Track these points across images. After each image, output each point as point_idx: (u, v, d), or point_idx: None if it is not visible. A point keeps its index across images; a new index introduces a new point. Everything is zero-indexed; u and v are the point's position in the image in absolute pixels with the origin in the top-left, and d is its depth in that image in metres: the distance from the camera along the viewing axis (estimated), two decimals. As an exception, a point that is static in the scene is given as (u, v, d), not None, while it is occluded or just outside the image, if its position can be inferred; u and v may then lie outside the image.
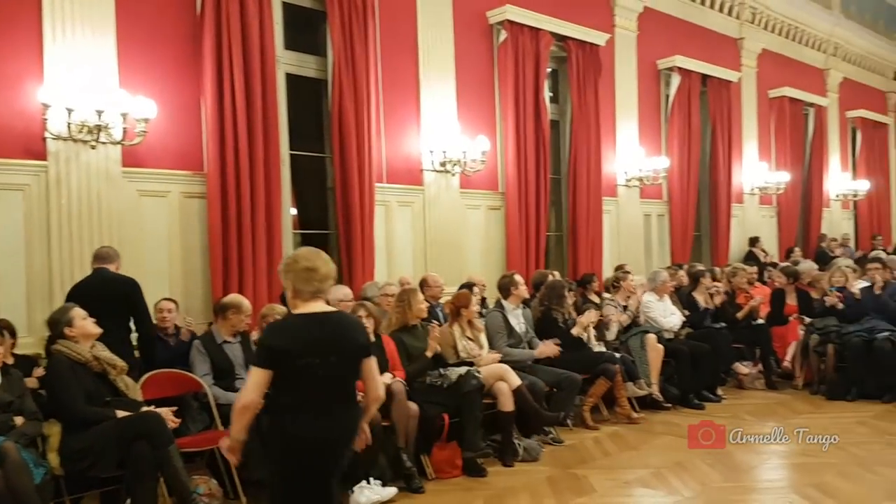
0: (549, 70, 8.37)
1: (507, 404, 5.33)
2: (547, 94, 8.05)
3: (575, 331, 6.51)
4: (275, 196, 5.89)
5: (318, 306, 2.91)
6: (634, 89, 9.32)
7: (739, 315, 7.90)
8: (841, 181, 13.33)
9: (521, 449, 5.37)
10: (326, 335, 2.86)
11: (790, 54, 12.25)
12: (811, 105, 12.41)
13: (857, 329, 7.23)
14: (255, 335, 5.01)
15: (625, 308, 7.23)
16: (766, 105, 11.61)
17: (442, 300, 6.47)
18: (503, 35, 7.66)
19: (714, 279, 8.35)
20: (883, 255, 9.53)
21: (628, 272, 7.55)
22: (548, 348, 6.09)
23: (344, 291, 5.74)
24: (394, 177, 6.93)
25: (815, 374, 7.51)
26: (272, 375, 2.78)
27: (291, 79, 6.48)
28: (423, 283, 6.45)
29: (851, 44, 13.57)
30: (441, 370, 5.29)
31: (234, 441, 2.87)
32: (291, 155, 6.41)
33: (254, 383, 2.79)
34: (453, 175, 7.25)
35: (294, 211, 6.90)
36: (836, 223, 13.28)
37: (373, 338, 5.03)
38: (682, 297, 7.90)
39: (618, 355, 6.61)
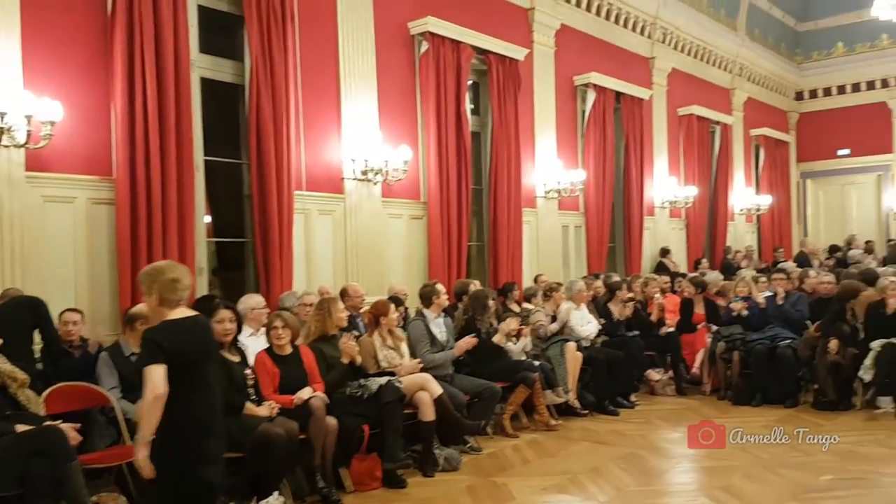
0: (470, 82, 8.47)
1: (429, 414, 5.32)
2: (468, 105, 8.13)
3: (496, 339, 6.58)
4: (188, 203, 5.70)
5: (184, 311, 3.18)
6: (552, 104, 9.53)
7: (653, 317, 8.17)
8: (745, 196, 13.99)
9: (442, 459, 5.35)
10: (199, 338, 3.20)
11: (698, 74, 12.80)
12: (717, 123, 12.98)
13: (760, 337, 7.56)
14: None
15: (553, 318, 7.36)
16: (675, 122, 12.09)
17: (363, 310, 6.40)
18: (424, 46, 7.70)
19: (629, 289, 8.61)
20: (789, 265, 10.05)
21: (560, 283, 7.68)
22: (465, 343, 6.11)
23: (256, 300, 5.62)
24: (314, 185, 6.84)
25: (722, 380, 7.82)
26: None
27: (207, 83, 6.30)
28: (344, 293, 6.38)
29: (755, 65, 14.30)
30: (361, 381, 5.22)
31: (144, 441, 3.00)
32: (206, 161, 6.22)
33: (159, 376, 2.96)
34: (375, 184, 7.22)
35: (209, 218, 6.71)
36: (741, 236, 13.92)
37: (289, 349, 4.97)
38: (598, 307, 8.11)
39: (537, 363, 6.71)
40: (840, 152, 15.65)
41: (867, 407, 6.95)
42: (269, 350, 4.94)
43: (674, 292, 9.46)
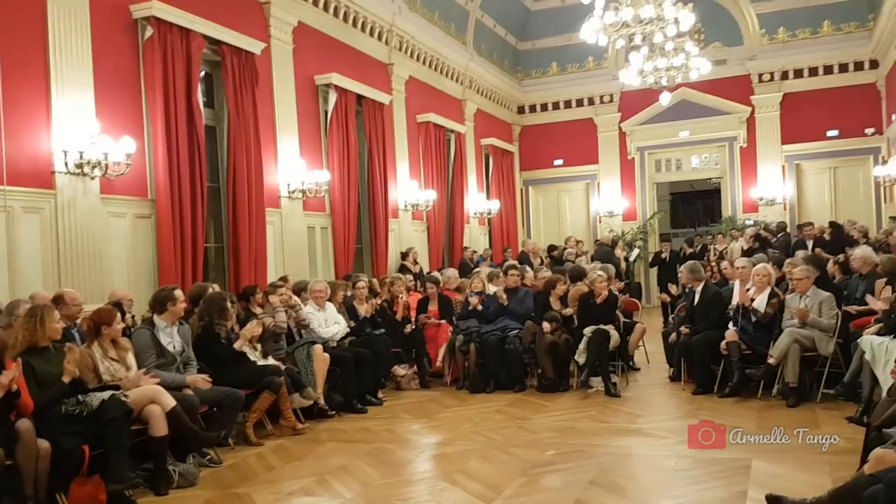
0: (203, 73, 7.99)
1: (160, 428, 4.88)
2: (201, 97, 7.64)
3: (237, 344, 6.27)
4: None
5: None
6: (293, 102, 9.34)
7: (398, 316, 8.37)
8: (478, 200, 14.95)
9: (177, 475, 4.96)
10: None
11: (433, 83, 13.40)
12: (452, 131, 13.72)
13: (492, 329, 8.15)
14: None
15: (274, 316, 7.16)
16: (414, 128, 12.53)
17: (80, 320, 5.70)
18: (150, 31, 7.09)
19: (371, 289, 8.73)
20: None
21: (281, 285, 7.47)
22: (198, 381, 5.63)
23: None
24: (17, 179, 5.96)
25: (461, 371, 8.26)
26: None
27: None
28: (59, 300, 5.58)
29: (483, 79, 15.33)
30: (80, 396, 4.64)
31: None
32: None
33: None
34: (92, 178, 6.47)
35: None
36: (476, 237, 14.85)
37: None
38: (347, 306, 8.12)
39: (283, 367, 6.52)
40: (556, 162, 17.34)
41: (582, 387, 7.76)
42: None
43: (417, 291, 9.80)
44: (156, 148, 7.08)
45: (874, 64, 14.61)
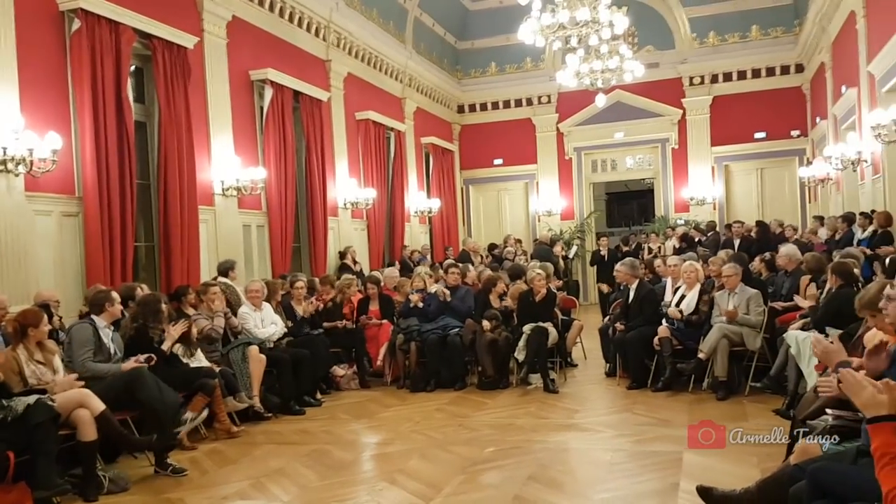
0: (133, 68, 7.74)
1: (89, 433, 4.72)
2: (131, 92, 7.40)
3: (164, 346, 6.09)
4: None
5: None
6: (227, 97, 9.13)
7: (341, 324, 8.35)
8: (418, 199, 14.94)
9: (107, 480, 4.80)
10: None
11: (372, 81, 13.32)
12: (392, 129, 13.67)
13: (433, 327, 8.15)
14: None
15: (212, 320, 7.03)
16: (353, 126, 12.43)
17: (4, 322, 5.47)
18: (77, 24, 6.83)
19: (312, 288, 8.63)
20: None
21: (214, 284, 7.32)
22: (133, 363, 5.51)
23: None
24: (-68, 175, 5.68)
25: (402, 370, 8.25)
26: None
27: None
28: (-20, 303, 5.37)
29: (422, 77, 15.33)
30: (4, 401, 4.45)
31: None
32: None
33: None
34: (16, 175, 6.18)
35: None
36: (416, 236, 14.83)
37: None
38: (284, 306, 8.01)
39: (218, 369, 6.38)
40: (496, 161, 17.48)
41: (521, 384, 7.84)
42: None
43: (359, 291, 9.72)
44: (83, 144, 6.83)
45: (800, 68, 15.23)
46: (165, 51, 7.84)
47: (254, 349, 6.89)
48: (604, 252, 13.88)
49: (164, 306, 6.27)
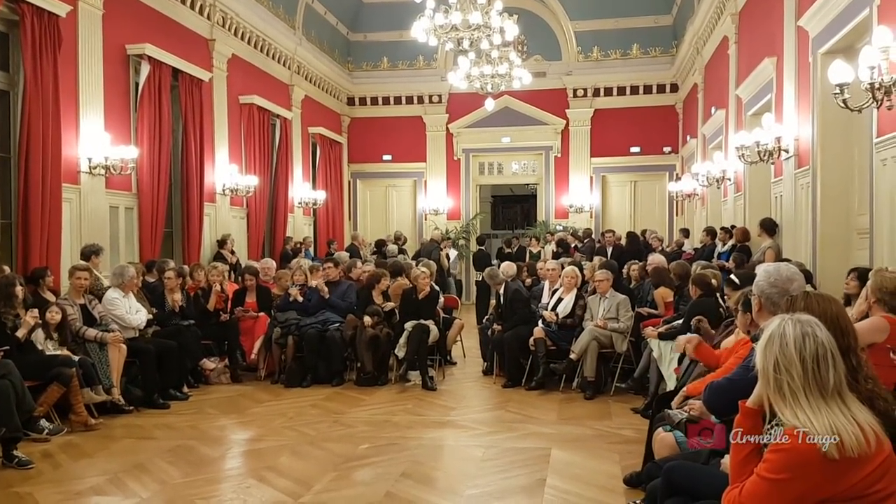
0: (-3, 32, 7.15)
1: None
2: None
3: (20, 333, 5.68)
4: None
5: None
6: (100, 71, 8.55)
7: (210, 306, 8.05)
8: (303, 190, 14.63)
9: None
10: None
11: (259, 65, 12.89)
12: (278, 116, 13.28)
13: (313, 321, 8.01)
14: None
15: (82, 307, 6.60)
16: (236, 109, 11.97)
17: None
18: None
19: (182, 276, 8.25)
20: (343, 255, 10.74)
21: (84, 267, 6.88)
22: None
23: None
24: None
25: (277, 365, 8.04)
26: None
27: None
28: None
29: (312, 65, 14.99)
30: None
31: None
32: None
33: None
34: None
35: None
36: (300, 227, 14.49)
37: None
38: (155, 296, 7.64)
39: (76, 358, 6.00)
40: (385, 157, 17.38)
41: (400, 381, 7.84)
42: None
43: (235, 282, 9.41)
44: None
45: (674, 88, 16.12)
46: (35, 17, 7.26)
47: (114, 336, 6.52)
48: (510, 250, 14.19)
49: (18, 289, 5.85)
